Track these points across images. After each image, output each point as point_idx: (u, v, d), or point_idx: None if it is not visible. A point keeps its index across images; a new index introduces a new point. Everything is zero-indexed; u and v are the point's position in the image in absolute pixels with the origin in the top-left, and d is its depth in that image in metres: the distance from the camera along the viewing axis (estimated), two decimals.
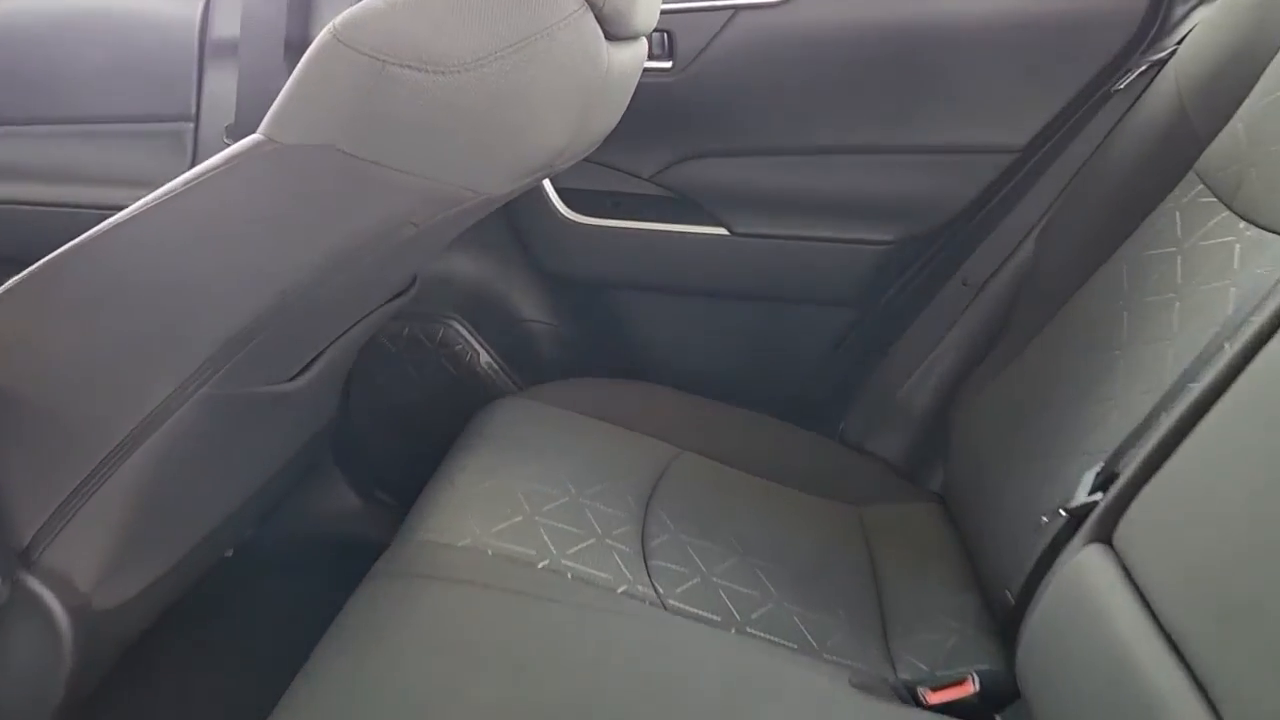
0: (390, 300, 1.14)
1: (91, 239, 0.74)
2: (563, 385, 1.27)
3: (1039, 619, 0.80)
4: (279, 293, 0.76)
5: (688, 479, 1.13)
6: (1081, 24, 1.20)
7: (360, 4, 0.68)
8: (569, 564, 0.91)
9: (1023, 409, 1.06)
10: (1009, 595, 0.90)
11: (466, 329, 1.42)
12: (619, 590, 0.90)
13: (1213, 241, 0.90)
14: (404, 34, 0.67)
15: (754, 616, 0.92)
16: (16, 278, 0.75)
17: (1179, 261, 0.95)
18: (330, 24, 0.68)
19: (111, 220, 0.73)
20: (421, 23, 0.68)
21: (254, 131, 0.71)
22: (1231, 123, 0.94)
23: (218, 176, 0.72)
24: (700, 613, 0.90)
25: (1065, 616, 0.76)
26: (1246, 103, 0.92)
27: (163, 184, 0.73)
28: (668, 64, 1.29)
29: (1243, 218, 0.88)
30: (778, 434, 1.27)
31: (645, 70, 1.29)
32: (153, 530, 0.89)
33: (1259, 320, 0.70)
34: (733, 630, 0.89)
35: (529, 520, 0.95)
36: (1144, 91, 1.11)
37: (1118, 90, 1.16)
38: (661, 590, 0.91)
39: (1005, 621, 0.91)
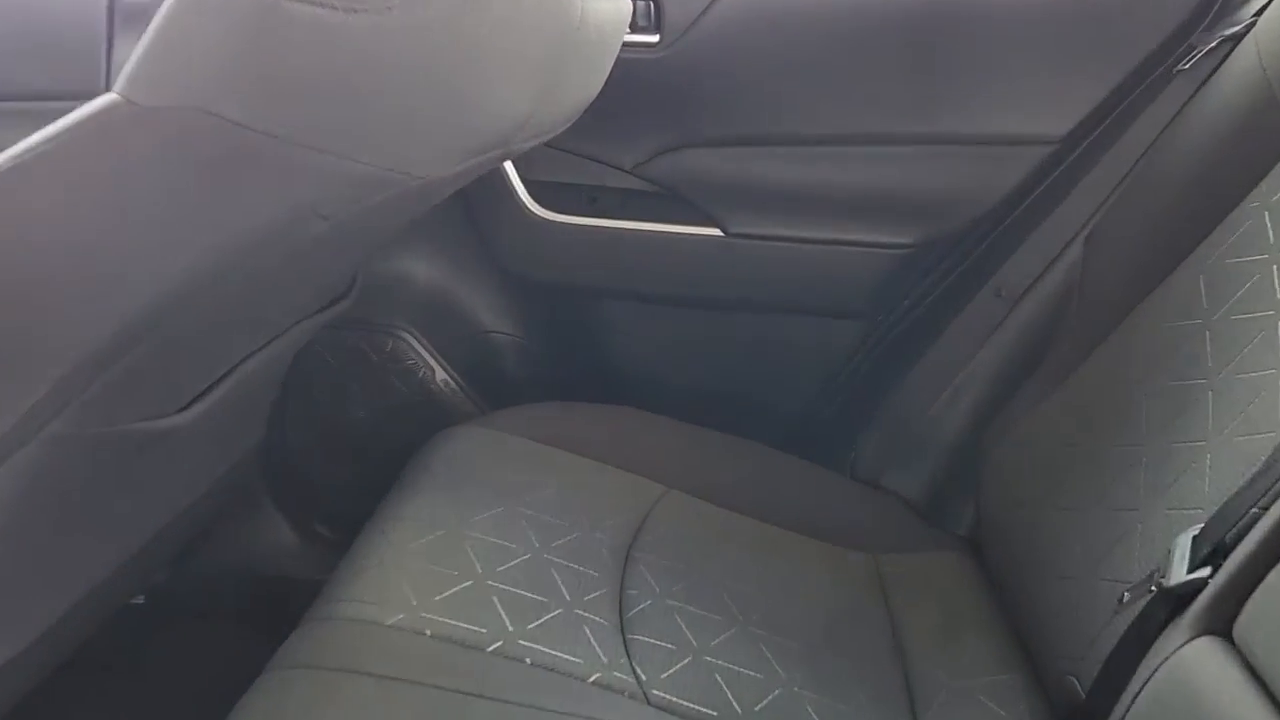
0: (324, 309, 0.95)
1: None
2: (529, 410, 1.08)
3: None
4: (148, 302, 0.58)
5: (675, 524, 0.95)
6: None
7: None
8: (528, 644, 0.72)
9: (1076, 445, 0.89)
10: (1076, 685, 0.73)
11: (419, 341, 1.24)
12: (590, 679, 0.72)
13: None
14: None
15: (759, 708, 0.74)
16: None
17: (1276, 271, 0.78)
18: None
19: None
20: None
21: None
22: None
23: (58, 149, 0.54)
24: (692, 706, 0.72)
25: None
26: None
27: None
28: (654, 37, 1.12)
29: None
30: (779, 468, 1.10)
31: (628, 45, 1.12)
32: (4, 597, 0.70)
33: None
34: None
35: (480, 585, 0.77)
36: (1215, 71, 0.95)
37: (1181, 71, 0.99)
38: (644, 675, 0.73)
39: (1073, 718, 0.73)
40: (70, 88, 1.12)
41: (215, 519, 1.19)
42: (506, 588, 0.77)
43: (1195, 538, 0.66)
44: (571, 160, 1.18)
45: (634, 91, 1.12)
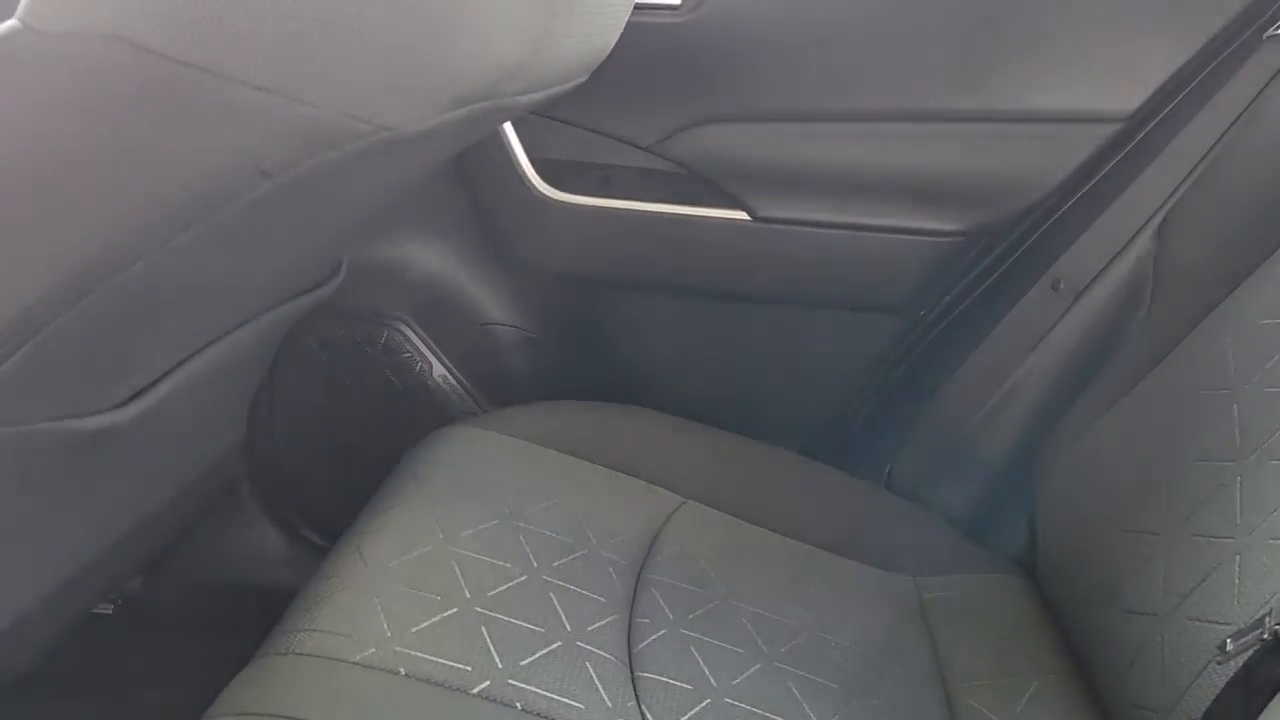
0: (303, 294, 0.85)
1: None
2: (532, 409, 0.98)
3: None
4: (52, 277, 0.48)
5: (692, 540, 0.85)
6: None
7: None
8: (520, 685, 0.62)
9: (1150, 460, 0.78)
10: None
11: (416, 332, 1.14)
12: None
13: None
14: None
15: None
16: None
17: None
18: None
19: None
20: None
21: None
22: None
23: None
24: None
25: None
26: None
27: None
28: (675, 0, 1.01)
29: None
30: (807, 478, 0.99)
31: (646, 8, 1.02)
32: None
33: None
34: None
35: (467, 613, 0.67)
36: None
37: (1274, 36, 0.88)
38: None
39: None
40: None
41: (194, 522, 1.10)
42: (498, 616, 0.67)
43: None
44: (583, 136, 1.08)
45: (652, 61, 1.02)
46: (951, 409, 1.01)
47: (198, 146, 0.46)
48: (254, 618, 1.21)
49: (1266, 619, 0.56)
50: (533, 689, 0.62)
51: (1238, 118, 0.89)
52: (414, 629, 0.64)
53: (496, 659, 0.64)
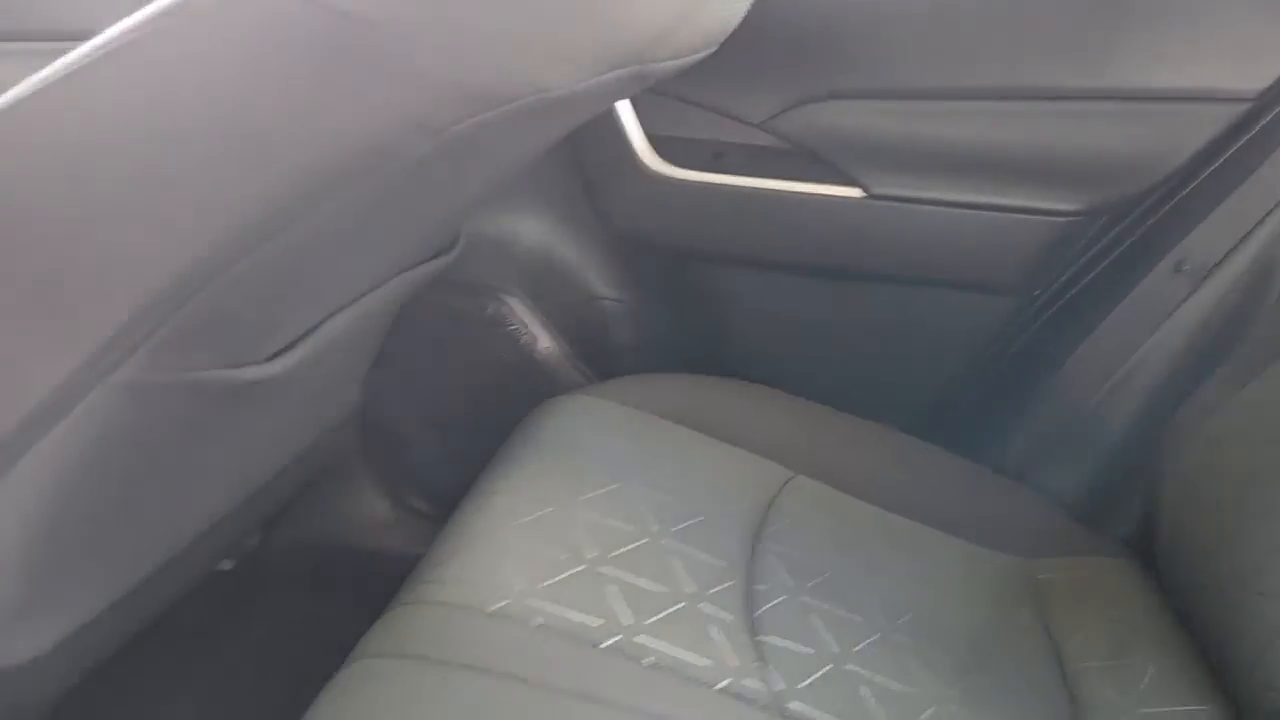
0: (425, 262, 0.87)
1: None
2: (641, 380, 0.99)
3: None
4: (231, 228, 0.50)
5: (803, 512, 0.85)
6: None
7: None
8: (647, 642, 0.63)
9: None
10: None
11: (525, 305, 1.16)
12: (718, 686, 0.62)
13: None
14: None
15: None
16: None
17: None
18: None
19: None
20: None
21: None
22: None
23: (125, 50, 0.46)
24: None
25: None
26: None
27: None
28: None
29: None
30: (915, 456, 0.98)
31: None
32: (71, 560, 0.64)
33: None
34: None
35: (592, 571, 0.68)
36: None
37: None
38: (779, 684, 0.64)
39: None
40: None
41: (308, 486, 1.13)
42: (622, 575, 0.68)
43: None
44: (691, 112, 1.08)
45: (764, 37, 1.02)
46: (1067, 391, 0.99)
47: (371, 103, 0.47)
48: (359, 578, 1.25)
49: None
50: (660, 646, 0.63)
51: None
52: (543, 584, 0.66)
53: (624, 616, 0.65)
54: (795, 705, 0.62)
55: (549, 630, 0.62)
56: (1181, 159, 0.98)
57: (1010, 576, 0.86)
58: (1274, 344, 0.82)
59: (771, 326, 1.13)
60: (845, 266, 1.05)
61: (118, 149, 0.48)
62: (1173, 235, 0.95)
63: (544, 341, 1.17)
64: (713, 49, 0.71)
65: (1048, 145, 1.00)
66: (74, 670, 0.71)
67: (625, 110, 1.06)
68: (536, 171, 1.11)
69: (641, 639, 0.63)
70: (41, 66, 0.48)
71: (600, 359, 1.17)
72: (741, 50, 0.83)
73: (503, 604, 0.63)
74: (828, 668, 0.66)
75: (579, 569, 0.68)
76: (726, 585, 0.72)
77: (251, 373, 0.62)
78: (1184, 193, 0.97)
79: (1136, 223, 0.99)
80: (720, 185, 1.05)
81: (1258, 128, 0.95)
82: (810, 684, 0.64)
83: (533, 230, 1.15)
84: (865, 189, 1.01)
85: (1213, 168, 0.96)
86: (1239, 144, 0.95)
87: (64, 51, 0.48)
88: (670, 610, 0.67)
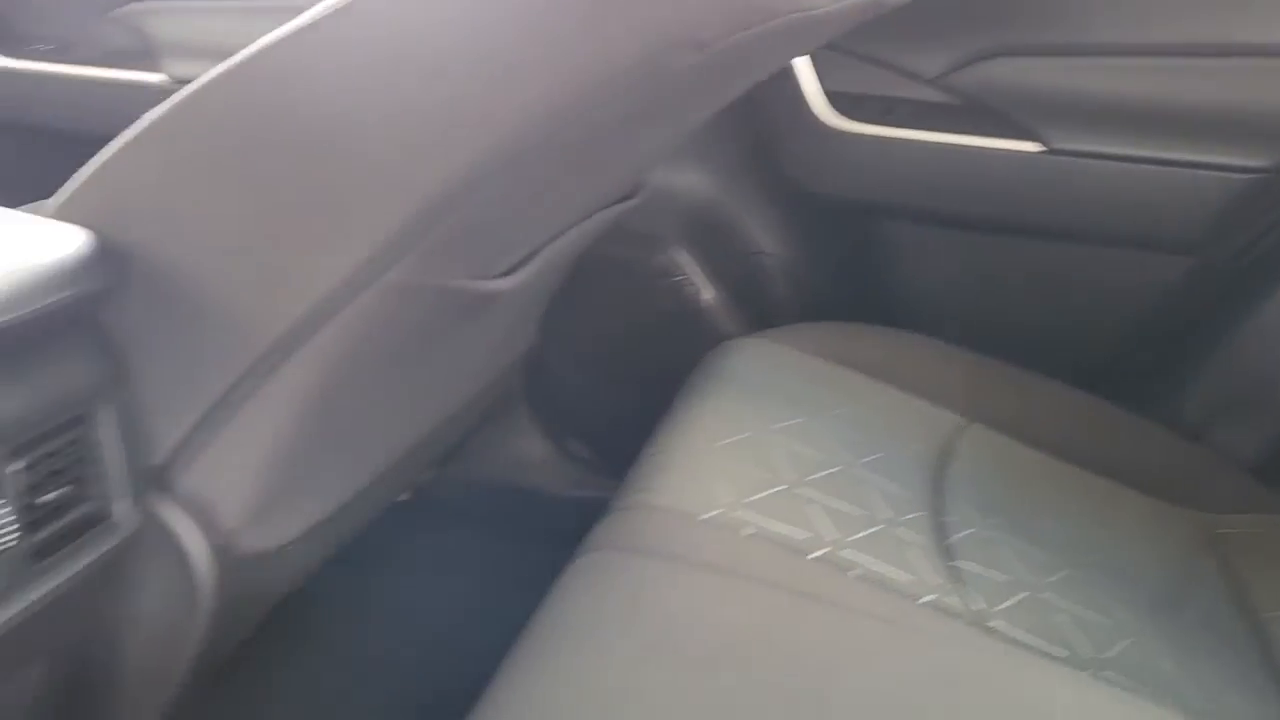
0: (615, 204, 0.91)
1: (231, 70, 0.53)
2: (813, 328, 1.02)
3: None
4: (496, 144, 0.54)
5: (981, 458, 0.86)
6: None
7: None
8: (852, 556, 0.66)
9: None
10: None
11: (690, 257, 1.19)
12: (922, 600, 0.64)
13: None
14: None
15: (1110, 655, 0.65)
16: (143, 122, 0.56)
17: None
18: None
19: (261, 42, 0.53)
20: None
21: None
22: None
23: None
24: (1037, 641, 0.64)
25: None
26: None
27: None
28: None
29: None
30: (1089, 410, 0.98)
31: None
32: (319, 458, 0.70)
33: None
34: (1087, 671, 0.63)
35: (794, 491, 0.71)
36: None
37: None
38: (979, 604, 0.66)
39: None
40: None
41: (479, 424, 1.19)
42: (821, 497, 0.71)
43: None
44: (860, 67, 1.09)
45: None
46: (1246, 352, 0.98)
47: (643, 17, 0.51)
48: (517, 516, 1.30)
49: None
50: (865, 559, 0.66)
51: None
52: (749, 499, 0.69)
53: (827, 532, 0.68)
54: (996, 623, 0.64)
55: (759, 539, 0.65)
56: None
57: (1191, 530, 0.86)
58: None
59: (938, 281, 1.14)
60: (1021, 222, 1.05)
61: (392, 75, 0.52)
62: None
63: (707, 293, 1.20)
64: None
65: (1232, 100, 0.98)
66: (308, 562, 0.78)
67: (803, 65, 1.08)
68: (705, 128, 1.14)
69: (846, 553, 0.66)
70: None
71: (761, 311, 1.19)
72: (916, 7, 0.84)
73: (714, 513, 0.66)
74: (1024, 594, 0.68)
75: (780, 488, 0.71)
76: (917, 515, 0.74)
77: (490, 285, 0.67)
78: None
79: None
80: (896, 139, 1.06)
81: None
82: (1008, 607, 0.66)
83: (700, 184, 1.18)
84: (1044, 143, 1.01)
85: None
86: None
87: None
88: (870, 531, 0.69)
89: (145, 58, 1.22)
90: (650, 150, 0.84)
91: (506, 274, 0.69)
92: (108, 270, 0.57)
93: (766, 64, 0.63)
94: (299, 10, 0.53)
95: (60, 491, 0.57)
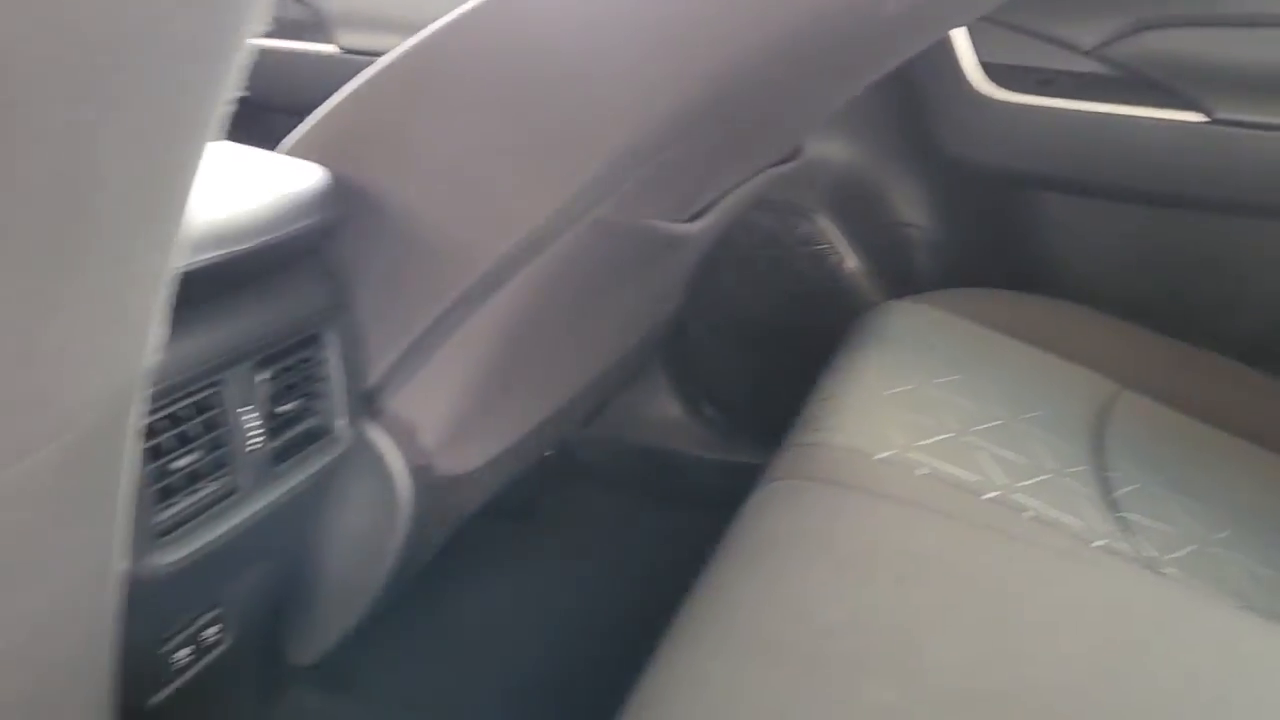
0: (777, 165, 0.94)
1: (473, 12, 0.58)
2: (964, 294, 1.03)
3: None
4: (704, 88, 0.57)
5: (1137, 423, 0.87)
6: None
7: None
8: (1023, 499, 0.68)
9: None
10: None
11: (833, 226, 1.20)
12: (1095, 544, 0.66)
13: None
14: None
15: None
16: (381, 63, 0.61)
17: None
18: None
19: None
20: None
21: None
22: None
23: None
24: (1211, 588, 0.65)
25: None
26: None
27: None
28: None
29: None
30: (1246, 382, 0.98)
31: None
32: (509, 391, 0.74)
33: None
34: (1263, 618, 0.63)
35: (962, 438, 0.73)
36: None
37: None
38: (1150, 552, 0.67)
39: None
40: None
41: (621, 387, 1.23)
42: (989, 446, 0.73)
43: None
44: (1015, 39, 1.09)
45: None
46: None
47: None
48: (653, 476, 1.34)
49: None
50: (1036, 504, 0.68)
51: None
52: (920, 442, 0.71)
53: (997, 477, 0.69)
54: (1170, 570, 0.65)
55: (933, 479, 0.67)
56: None
57: None
58: None
59: (1089, 252, 1.13)
60: (1180, 193, 1.04)
61: (608, 25, 0.56)
62: None
63: (849, 262, 1.22)
64: None
65: None
66: (488, 489, 0.82)
67: (959, 36, 1.09)
68: (854, 100, 1.15)
69: (1018, 497, 0.68)
70: None
71: (903, 281, 1.21)
72: None
73: (888, 453, 0.69)
74: (1193, 546, 0.69)
75: (948, 435, 0.73)
76: (1082, 468, 0.75)
77: (678, 228, 0.70)
78: None
79: None
80: (1055, 109, 1.06)
81: None
82: (1180, 556, 0.67)
83: (848, 154, 1.20)
84: (1207, 114, 1.01)
85: None
86: None
87: None
88: (1038, 479, 0.71)
89: (318, 30, 1.29)
90: (814, 112, 0.86)
91: (692, 219, 0.73)
92: (339, 203, 0.63)
93: (941, 24, 0.65)
94: None
95: (295, 403, 0.63)
